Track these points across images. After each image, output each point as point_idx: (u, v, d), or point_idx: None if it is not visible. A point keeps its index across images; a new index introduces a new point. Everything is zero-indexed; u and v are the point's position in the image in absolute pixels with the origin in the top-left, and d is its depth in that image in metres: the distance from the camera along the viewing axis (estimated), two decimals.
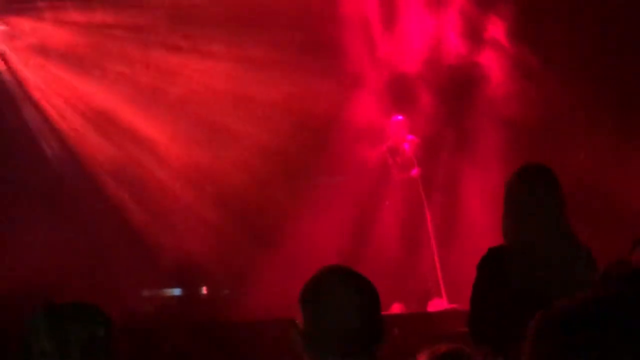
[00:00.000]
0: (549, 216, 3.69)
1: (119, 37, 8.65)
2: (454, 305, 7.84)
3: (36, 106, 8.71)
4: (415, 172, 8.37)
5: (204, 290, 8.91)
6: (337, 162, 8.82)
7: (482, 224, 7.65)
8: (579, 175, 7.07)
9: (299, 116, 8.52)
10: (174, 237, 8.42)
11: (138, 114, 8.68)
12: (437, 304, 8.18)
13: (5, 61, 8.68)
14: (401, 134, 8.48)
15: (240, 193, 8.57)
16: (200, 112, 8.76)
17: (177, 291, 8.95)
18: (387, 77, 8.92)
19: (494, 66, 8.77)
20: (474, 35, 8.82)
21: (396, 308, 8.08)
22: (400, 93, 8.91)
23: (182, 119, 8.81)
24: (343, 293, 2.32)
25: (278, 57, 8.63)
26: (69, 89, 8.72)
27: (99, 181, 8.63)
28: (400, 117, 8.55)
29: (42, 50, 8.70)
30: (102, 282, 7.93)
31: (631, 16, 8.11)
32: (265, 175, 8.60)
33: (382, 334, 2.36)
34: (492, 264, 3.74)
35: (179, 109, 8.81)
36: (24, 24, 8.70)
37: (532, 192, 3.75)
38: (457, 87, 8.92)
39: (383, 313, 2.37)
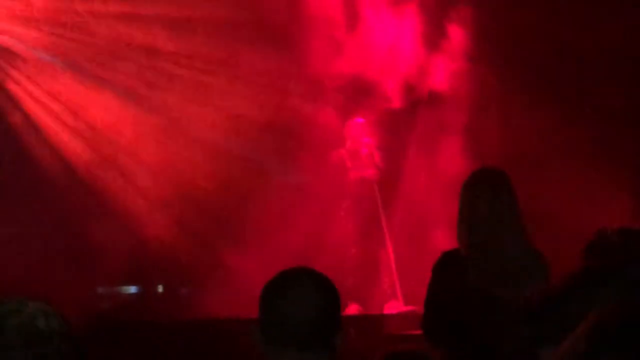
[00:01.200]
0: (502, 219, 3.74)
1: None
2: (410, 307, 7.90)
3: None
4: (371, 174, 8.43)
5: (161, 288, 8.87)
6: (300, 163, 8.83)
7: (439, 228, 7.73)
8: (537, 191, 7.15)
9: (261, 118, 8.54)
10: (131, 234, 8.37)
11: (105, 113, 8.64)
12: (394, 306, 8.24)
13: None
14: (359, 137, 8.52)
15: (200, 193, 8.55)
16: (164, 113, 8.72)
17: (133, 289, 8.90)
18: (348, 80, 8.95)
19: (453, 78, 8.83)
20: (436, 46, 8.88)
21: (353, 309, 8.12)
22: (360, 97, 8.94)
23: (147, 118, 8.75)
24: (302, 288, 2.37)
25: (239, 59, 8.65)
26: (41, 86, 8.66)
27: (52, 176, 8.54)
28: (359, 120, 8.60)
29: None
30: (55, 277, 7.86)
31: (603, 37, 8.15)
32: (226, 176, 8.59)
33: (340, 329, 2.40)
34: (446, 267, 3.79)
35: (145, 108, 8.75)
36: None
37: (484, 195, 3.80)
38: (416, 97, 8.99)
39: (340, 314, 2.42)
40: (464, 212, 3.82)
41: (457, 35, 8.69)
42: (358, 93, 8.89)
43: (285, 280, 2.41)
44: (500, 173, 3.92)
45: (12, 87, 8.63)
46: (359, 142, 8.50)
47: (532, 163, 7.92)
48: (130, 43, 8.66)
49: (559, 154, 7.95)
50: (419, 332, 4.04)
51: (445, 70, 8.77)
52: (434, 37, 8.77)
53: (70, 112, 8.68)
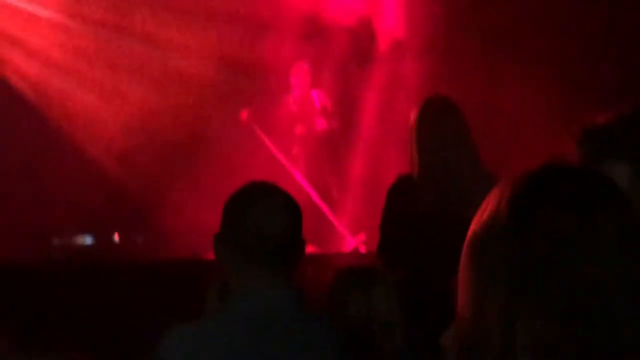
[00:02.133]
0: (449, 141, 3.84)
1: None
2: (360, 236, 8.04)
3: None
4: (322, 125, 8.47)
5: (116, 237, 8.82)
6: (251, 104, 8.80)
7: (385, 164, 7.81)
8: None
9: (212, 60, 8.50)
10: (85, 180, 8.30)
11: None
12: (349, 244, 8.35)
13: None
14: (305, 83, 8.50)
15: (150, 140, 8.50)
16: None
17: (88, 239, 8.83)
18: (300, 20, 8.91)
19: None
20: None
21: (309, 249, 8.20)
22: (312, 40, 8.92)
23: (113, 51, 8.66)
24: (270, 202, 2.34)
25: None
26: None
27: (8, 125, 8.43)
28: (304, 65, 8.56)
29: None
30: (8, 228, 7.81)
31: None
32: (176, 120, 8.55)
33: (303, 252, 2.42)
34: (400, 189, 3.88)
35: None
36: None
37: (438, 120, 3.90)
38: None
39: None
40: (416, 136, 3.91)
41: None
42: (311, 36, 8.88)
43: (252, 195, 2.37)
44: (445, 99, 4.04)
45: None
46: (305, 88, 8.50)
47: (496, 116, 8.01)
48: None
49: (527, 111, 8.03)
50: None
51: (405, 14, 8.79)
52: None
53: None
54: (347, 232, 8.32)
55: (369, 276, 2.85)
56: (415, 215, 3.74)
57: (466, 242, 1.10)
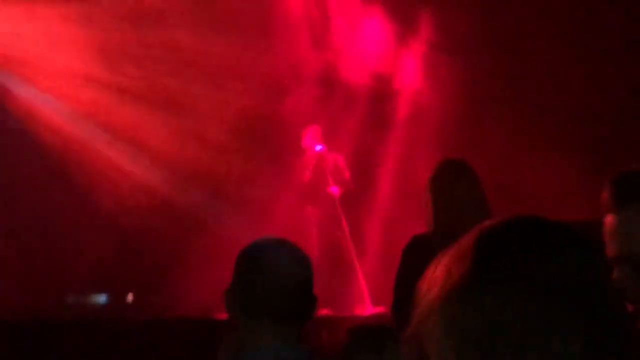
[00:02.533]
0: (465, 202, 3.85)
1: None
2: (380, 309, 7.95)
3: None
4: (334, 190, 8.47)
5: (130, 297, 8.79)
6: (264, 169, 8.85)
7: (401, 230, 7.79)
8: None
9: (230, 117, 8.59)
10: (102, 240, 8.31)
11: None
12: (363, 309, 8.29)
13: None
14: (314, 145, 8.52)
15: (165, 198, 8.54)
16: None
17: (102, 298, 8.81)
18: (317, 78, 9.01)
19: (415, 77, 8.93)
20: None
21: (323, 312, 8.15)
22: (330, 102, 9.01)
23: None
24: (283, 257, 2.30)
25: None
26: None
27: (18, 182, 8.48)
28: (314, 127, 8.61)
29: None
30: (23, 286, 7.80)
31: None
32: (192, 179, 8.59)
33: (314, 310, 2.36)
34: (414, 250, 3.87)
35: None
36: None
37: (454, 181, 3.93)
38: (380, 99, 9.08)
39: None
40: (432, 197, 3.93)
41: (425, 31, 8.82)
42: (327, 93, 8.97)
43: (263, 249, 2.33)
44: (461, 160, 4.08)
45: None
46: (314, 152, 8.51)
47: (503, 156, 8.04)
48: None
49: (528, 147, 8.06)
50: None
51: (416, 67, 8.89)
52: (403, 34, 8.89)
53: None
54: (368, 297, 8.26)
55: (381, 335, 2.80)
56: None
57: (434, 307, 1.03)
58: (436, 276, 1.06)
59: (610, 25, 8.11)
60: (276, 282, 2.26)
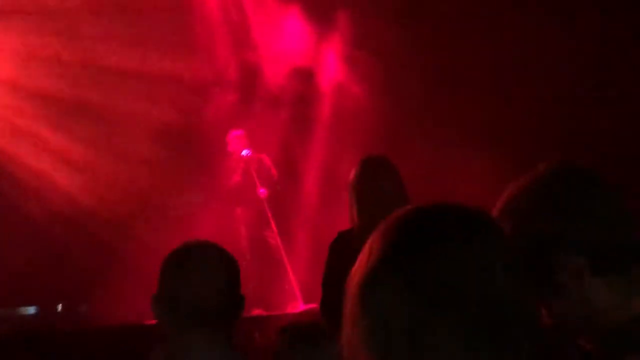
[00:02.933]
0: (391, 197, 3.94)
1: None
2: (312, 305, 8.02)
3: None
4: (262, 192, 8.52)
5: (60, 307, 8.68)
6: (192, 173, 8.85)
7: (328, 227, 7.89)
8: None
9: (156, 124, 8.56)
10: (29, 251, 8.19)
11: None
12: (295, 306, 8.36)
13: None
14: (239, 150, 8.57)
15: (92, 208, 8.47)
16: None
17: (31, 310, 8.68)
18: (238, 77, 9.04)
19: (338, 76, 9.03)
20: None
21: (255, 312, 8.19)
22: (251, 97, 9.04)
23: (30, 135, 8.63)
24: (205, 260, 2.31)
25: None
26: None
27: None
28: (237, 133, 8.66)
29: None
30: None
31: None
32: (118, 189, 8.54)
33: (242, 310, 2.38)
34: (340, 245, 3.96)
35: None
36: None
37: (374, 176, 4.02)
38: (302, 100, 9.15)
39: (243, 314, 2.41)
40: (355, 194, 4.01)
41: (344, 31, 8.91)
42: (250, 96, 8.99)
43: (187, 253, 2.33)
44: (382, 157, 4.17)
45: None
46: (240, 156, 8.57)
47: (426, 153, 8.16)
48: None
49: (453, 138, 8.19)
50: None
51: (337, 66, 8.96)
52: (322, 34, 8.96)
53: None
54: (299, 294, 8.33)
55: (313, 331, 2.86)
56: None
57: (352, 293, 1.11)
58: (359, 261, 1.15)
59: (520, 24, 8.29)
60: (201, 284, 2.26)
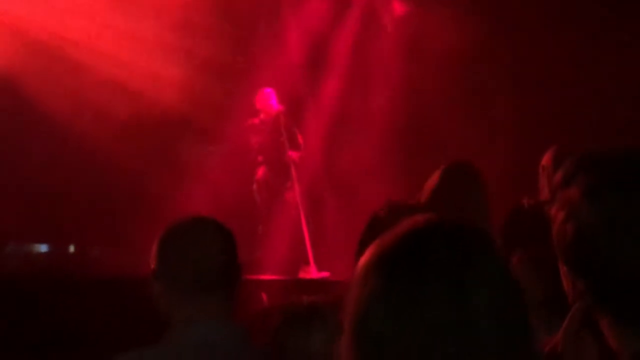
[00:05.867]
0: (473, 207, 3.74)
1: None
2: (324, 274, 7.96)
3: None
4: (291, 155, 8.45)
5: (72, 248, 8.71)
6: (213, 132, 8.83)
7: (355, 195, 7.83)
8: None
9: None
10: (43, 188, 8.17)
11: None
12: (307, 272, 8.30)
13: None
14: (270, 106, 8.52)
15: (116, 156, 8.42)
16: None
17: (43, 248, 8.71)
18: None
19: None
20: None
21: (266, 276, 8.15)
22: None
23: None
24: (206, 232, 2.36)
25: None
26: None
27: None
28: (267, 90, 8.60)
29: None
30: None
31: None
32: (142, 142, 8.49)
33: (240, 277, 2.42)
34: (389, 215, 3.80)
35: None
36: None
37: (464, 186, 3.79)
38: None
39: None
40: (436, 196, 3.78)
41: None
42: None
43: (186, 226, 2.39)
44: (474, 168, 3.97)
45: None
46: (271, 112, 8.51)
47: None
48: None
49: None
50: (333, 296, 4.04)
51: None
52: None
53: None
54: (312, 261, 8.26)
55: (311, 316, 2.80)
56: None
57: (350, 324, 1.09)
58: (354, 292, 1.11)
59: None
60: (198, 260, 2.31)
